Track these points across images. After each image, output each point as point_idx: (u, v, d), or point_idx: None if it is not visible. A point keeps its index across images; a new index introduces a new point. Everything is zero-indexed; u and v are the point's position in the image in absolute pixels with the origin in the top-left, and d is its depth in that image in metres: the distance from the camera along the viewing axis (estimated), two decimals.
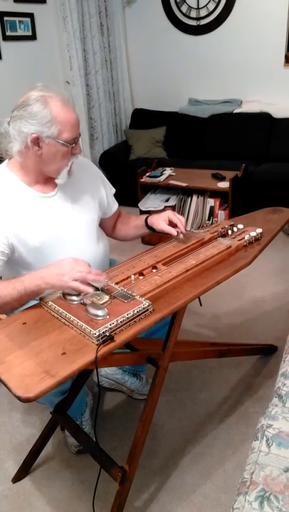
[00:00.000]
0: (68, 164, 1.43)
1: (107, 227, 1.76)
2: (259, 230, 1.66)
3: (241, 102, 4.24)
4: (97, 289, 1.28)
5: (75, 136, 1.39)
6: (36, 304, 1.31)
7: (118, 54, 4.58)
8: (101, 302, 1.24)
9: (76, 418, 1.73)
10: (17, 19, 3.62)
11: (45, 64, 3.93)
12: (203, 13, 4.19)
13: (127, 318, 1.18)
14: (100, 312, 1.19)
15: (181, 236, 1.60)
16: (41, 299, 1.30)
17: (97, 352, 1.10)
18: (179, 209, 3.47)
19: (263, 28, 3.98)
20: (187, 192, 3.46)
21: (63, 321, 1.22)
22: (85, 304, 1.24)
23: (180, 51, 4.42)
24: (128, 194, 3.33)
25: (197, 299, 1.40)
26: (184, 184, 3.36)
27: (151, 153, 4.26)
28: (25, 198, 1.43)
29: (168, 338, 1.43)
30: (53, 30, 3.96)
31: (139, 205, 3.44)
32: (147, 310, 1.22)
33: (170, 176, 3.52)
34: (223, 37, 4.19)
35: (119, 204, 1.76)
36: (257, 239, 1.64)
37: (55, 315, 1.24)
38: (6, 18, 3.51)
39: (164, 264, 1.46)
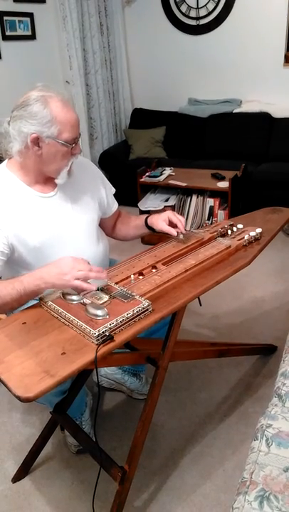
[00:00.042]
0: (68, 164, 1.43)
1: (107, 227, 1.76)
2: (259, 230, 1.66)
3: (241, 101, 4.24)
4: (97, 288, 1.28)
5: (75, 136, 1.39)
6: (36, 303, 1.31)
7: (118, 54, 4.58)
8: (101, 302, 1.24)
9: (76, 418, 1.73)
10: (17, 19, 3.62)
11: (44, 64, 3.93)
12: (202, 12, 4.19)
13: (127, 318, 1.18)
14: (99, 312, 1.19)
15: (181, 236, 1.60)
16: (41, 299, 1.30)
17: (96, 352, 1.10)
18: (179, 209, 3.47)
19: (262, 28, 3.98)
20: (187, 192, 3.46)
21: (63, 320, 1.22)
22: (84, 304, 1.24)
23: (180, 51, 4.42)
24: (128, 194, 3.33)
25: (197, 299, 1.40)
26: (184, 184, 3.36)
27: (151, 153, 4.26)
28: (25, 198, 1.43)
29: (168, 337, 1.43)
30: (53, 29, 3.96)
31: (138, 204, 3.43)
32: (147, 310, 1.23)
33: (170, 175, 3.52)
34: (222, 36, 4.18)
35: (119, 204, 1.76)
36: (256, 239, 1.64)
37: (55, 315, 1.24)
38: (5, 18, 3.51)
39: (163, 264, 1.46)
